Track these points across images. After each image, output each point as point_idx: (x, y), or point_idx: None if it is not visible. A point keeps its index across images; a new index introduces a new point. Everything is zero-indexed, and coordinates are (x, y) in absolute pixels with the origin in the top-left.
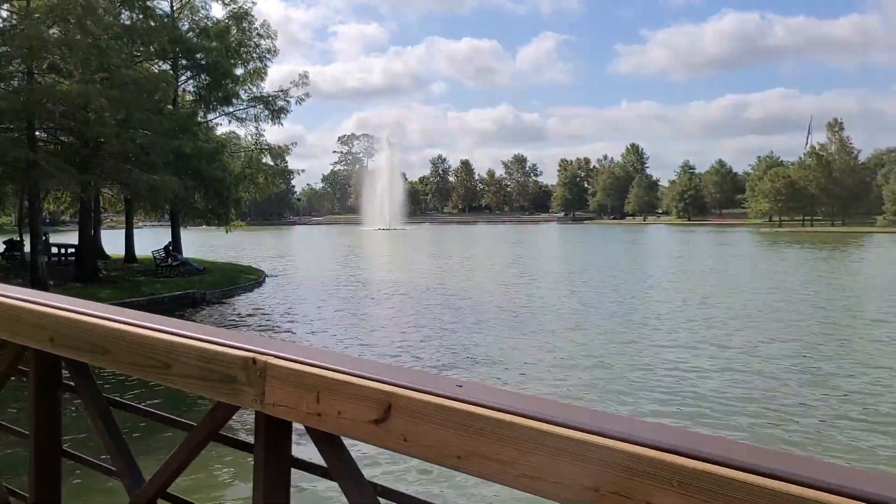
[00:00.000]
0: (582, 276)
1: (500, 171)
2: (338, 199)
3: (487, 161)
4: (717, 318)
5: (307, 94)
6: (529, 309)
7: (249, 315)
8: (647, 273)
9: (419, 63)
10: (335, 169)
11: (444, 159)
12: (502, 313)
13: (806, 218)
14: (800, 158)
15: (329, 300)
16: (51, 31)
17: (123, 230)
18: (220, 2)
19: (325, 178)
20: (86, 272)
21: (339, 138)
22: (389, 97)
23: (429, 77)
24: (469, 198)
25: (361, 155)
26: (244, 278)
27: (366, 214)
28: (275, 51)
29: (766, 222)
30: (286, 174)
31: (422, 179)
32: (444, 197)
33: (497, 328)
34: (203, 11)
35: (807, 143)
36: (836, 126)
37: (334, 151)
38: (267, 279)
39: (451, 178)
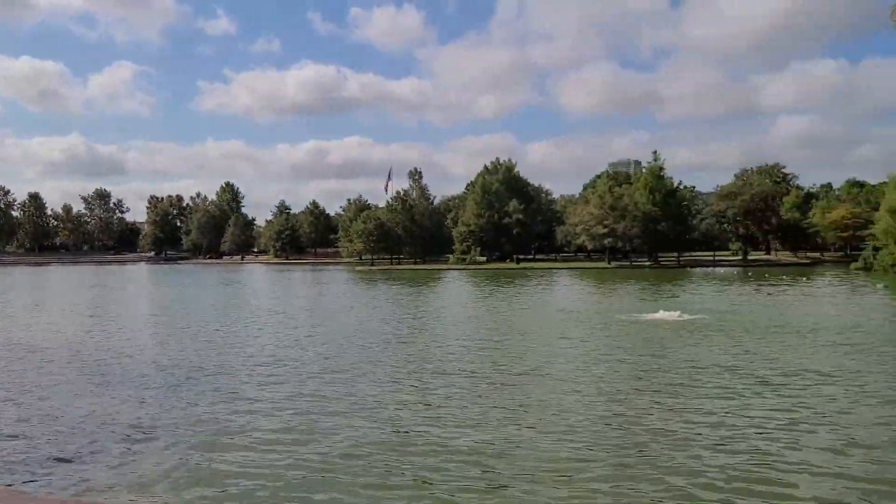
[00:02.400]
0: (174, 320)
1: (78, 207)
2: None
3: (59, 195)
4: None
5: None
6: (120, 362)
7: None
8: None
9: None
10: None
11: (7, 191)
12: (98, 368)
13: (394, 257)
14: (388, 202)
15: None
16: None
17: None
18: None
19: None
20: None
21: None
22: None
23: None
24: (40, 236)
25: None
26: None
27: None
28: None
29: (358, 261)
30: None
31: None
32: (8, 235)
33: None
34: None
35: (387, 189)
36: (416, 175)
37: None
38: None
39: (17, 214)
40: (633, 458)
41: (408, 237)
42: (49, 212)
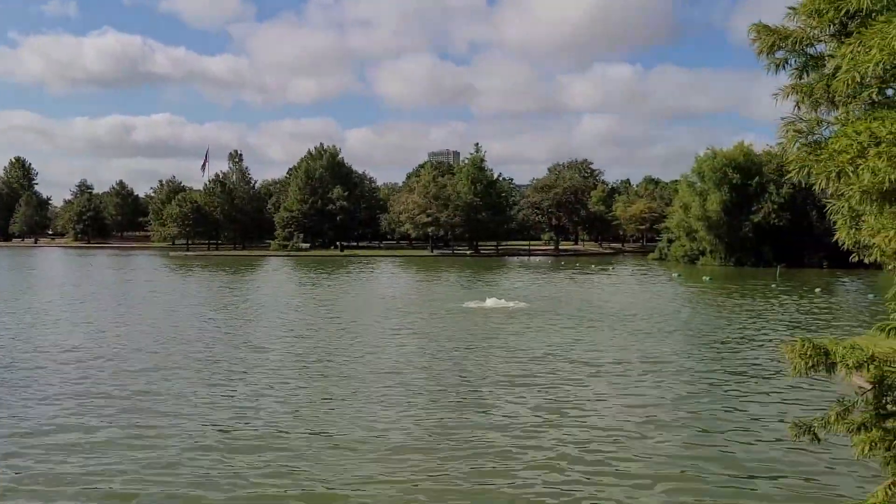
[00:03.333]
0: None
1: None
2: None
3: None
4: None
5: None
6: None
7: None
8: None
9: None
10: None
11: None
12: None
13: (211, 242)
14: (205, 185)
15: None
16: None
17: None
18: None
19: None
20: None
21: None
22: None
23: None
24: None
25: None
26: None
27: None
28: None
29: (170, 246)
30: None
31: None
32: None
33: None
34: None
35: (204, 171)
36: (236, 157)
37: None
38: None
39: None
40: (452, 448)
41: (227, 222)
42: None
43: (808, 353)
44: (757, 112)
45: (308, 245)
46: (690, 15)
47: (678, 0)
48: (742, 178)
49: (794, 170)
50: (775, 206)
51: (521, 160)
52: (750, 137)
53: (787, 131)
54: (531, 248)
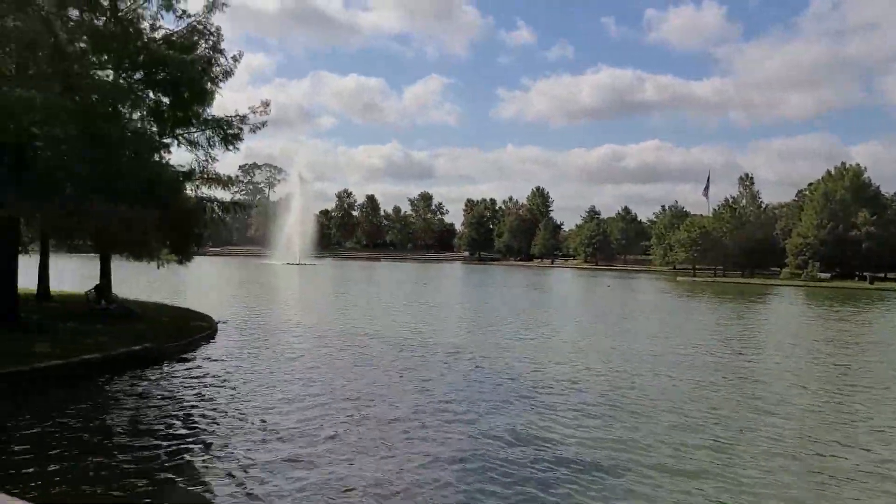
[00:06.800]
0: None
1: (405, 208)
2: (237, 230)
3: (379, 197)
4: None
5: (264, 123)
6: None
7: (241, 382)
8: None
9: (305, 96)
10: (235, 198)
11: (350, 193)
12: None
13: (718, 268)
14: (714, 210)
15: (315, 356)
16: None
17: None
18: (173, 12)
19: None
20: (3, 315)
21: (240, 167)
22: (276, 128)
23: (316, 111)
24: (374, 234)
25: (263, 185)
26: (195, 326)
27: (273, 248)
28: (231, 72)
29: (674, 270)
30: (237, 207)
31: (324, 213)
32: (348, 232)
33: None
34: (150, 21)
35: (707, 195)
36: (746, 180)
37: (237, 178)
38: (219, 326)
39: (356, 213)
40: None
41: (736, 248)
42: (382, 212)
43: None
44: None
45: (829, 275)
46: None
47: None
48: None
49: None
50: None
51: None
52: None
53: None
54: None
